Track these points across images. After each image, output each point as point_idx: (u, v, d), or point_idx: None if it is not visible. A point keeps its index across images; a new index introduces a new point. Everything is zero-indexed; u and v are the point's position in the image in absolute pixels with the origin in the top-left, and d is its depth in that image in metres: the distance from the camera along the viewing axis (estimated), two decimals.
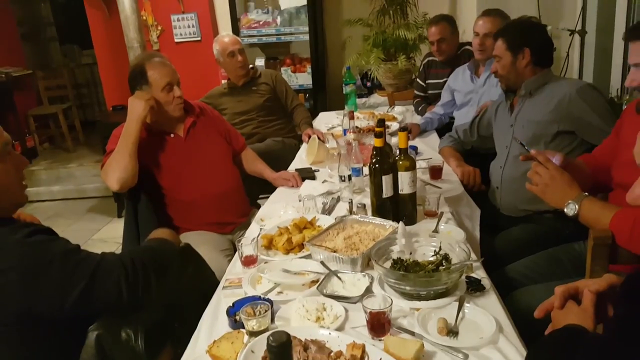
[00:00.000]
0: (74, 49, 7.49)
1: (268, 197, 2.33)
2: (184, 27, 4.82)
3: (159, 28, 4.84)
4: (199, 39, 4.85)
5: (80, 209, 4.89)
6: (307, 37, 4.61)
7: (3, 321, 1.15)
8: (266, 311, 1.23)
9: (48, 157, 5.90)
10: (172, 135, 2.23)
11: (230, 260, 1.86)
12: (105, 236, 4.20)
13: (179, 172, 2.21)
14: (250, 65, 3.38)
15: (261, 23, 4.68)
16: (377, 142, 1.68)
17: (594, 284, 1.01)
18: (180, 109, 2.22)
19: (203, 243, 1.99)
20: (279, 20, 4.69)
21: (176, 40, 4.86)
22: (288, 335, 0.66)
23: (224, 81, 3.51)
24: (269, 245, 1.70)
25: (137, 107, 2.06)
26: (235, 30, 4.59)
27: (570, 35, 3.02)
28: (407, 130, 1.75)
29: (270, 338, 0.66)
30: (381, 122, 1.75)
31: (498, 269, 1.79)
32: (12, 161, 1.27)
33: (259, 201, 2.66)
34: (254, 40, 4.71)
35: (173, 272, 1.43)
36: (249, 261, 1.60)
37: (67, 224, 4.50)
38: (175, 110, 2.19)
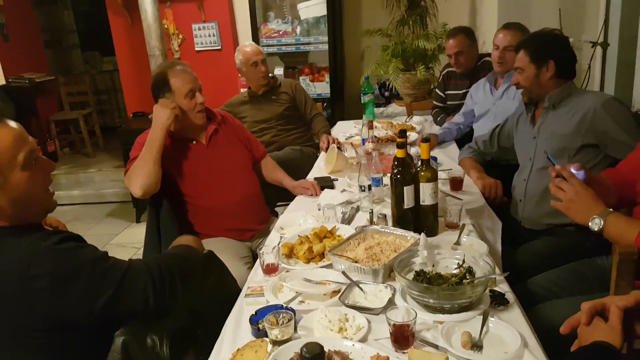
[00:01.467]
0: (95, 55, 7.63)
1: (286, 205, 2.34)
2: (205, 36, 4.88)
3: (180, 37, 4.91)
4: (219, 47, 4.90)
5: (99, 213, 4.95)
6: (326, 46, 4.64)
7: (32, 327, 1.17)
8: (289, 320, 1.23)
9: (68, 161, 5.99)
10: (194, 143, 2.26)
11: (249, 268, 1.87)
12: (123, 241, 4.25)
13: (200, 178, 2.23)
14: (271, 74, 3.42)
15: (281, 33, 4.73)
16: (399, 153, 1.68)
17: (620, 300, 1.00)
18: (203, 116, 2.25)
19: (223, 250, 1.99)
20: (298, 30, 4.73)
21: (197, 49, 4.92)
22: (321, 347, 0.66)
23: (244, 90, 3.54)
24: (290, 254, 1.70)
25: (162, 115, 2.09)
26: (255, 39, 4.63)
27: (592, 47, 2.99)
28: (428, 141, 1.75)
29: (304, 350, 0.66)
30: (403, 133, 1.75)
31: (519, 282, 1.77)
32: (39, 167, 1.25)
33: (276, 209, 2.67)
34: (274, 49, 4.76)
35: (197, 278, 1.44)
36: (270, 269, 1.60)
37: (85, 228, 4.55)
38: (198, 117, 2.22)
